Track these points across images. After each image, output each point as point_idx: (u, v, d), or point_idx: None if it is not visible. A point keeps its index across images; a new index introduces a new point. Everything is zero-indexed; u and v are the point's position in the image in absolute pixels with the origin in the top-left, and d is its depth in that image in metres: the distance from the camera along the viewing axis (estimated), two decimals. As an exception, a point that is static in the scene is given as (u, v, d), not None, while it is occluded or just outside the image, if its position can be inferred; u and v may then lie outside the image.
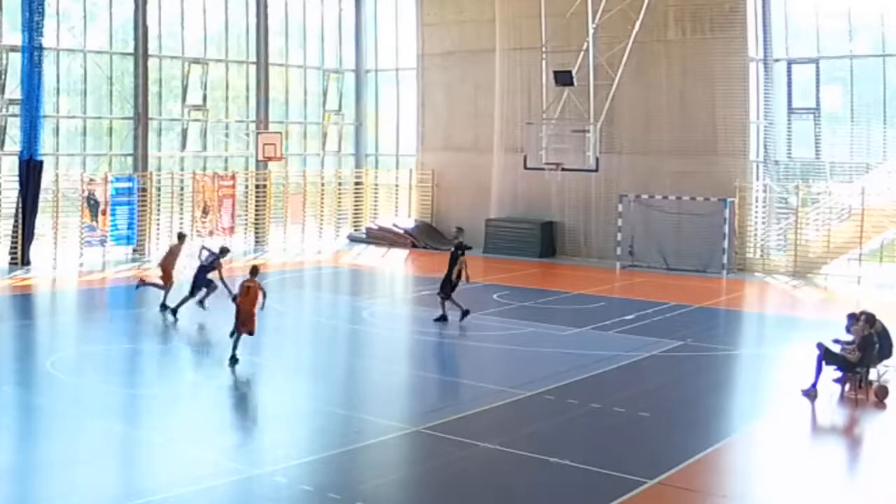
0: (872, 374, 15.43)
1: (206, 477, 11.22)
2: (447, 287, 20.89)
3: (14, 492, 10.82)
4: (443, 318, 20.75)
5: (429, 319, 21.23)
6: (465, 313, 20.67)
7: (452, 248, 21.40)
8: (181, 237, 22.75)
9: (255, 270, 17.30)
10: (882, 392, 15.19)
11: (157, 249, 30.58)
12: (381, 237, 35.69)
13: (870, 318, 15.41)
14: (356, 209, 37.42)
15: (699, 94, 30.26)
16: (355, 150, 38.71)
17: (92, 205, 29.03)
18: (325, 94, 37.35)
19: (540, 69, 30.11)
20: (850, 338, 15.66)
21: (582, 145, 28.56)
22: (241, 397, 15.19)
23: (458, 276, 20.93)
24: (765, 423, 14.37)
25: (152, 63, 31.29)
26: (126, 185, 30.05)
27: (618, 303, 24.25)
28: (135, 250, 30.28)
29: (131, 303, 23.10)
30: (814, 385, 15.12)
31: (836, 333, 16.16)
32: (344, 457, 12.28)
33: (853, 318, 15.62)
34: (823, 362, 15.19)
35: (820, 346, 15.33)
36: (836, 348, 15.59)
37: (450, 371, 16.99)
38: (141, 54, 30.66)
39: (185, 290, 20.64)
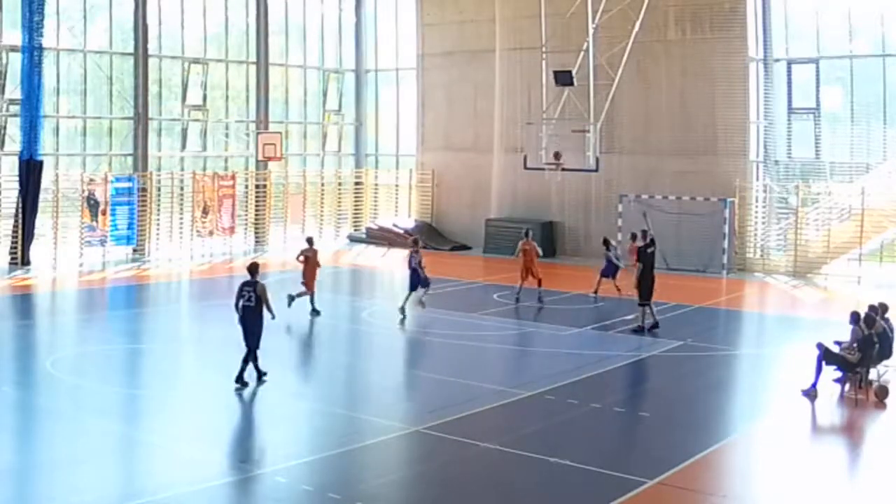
0: (872, 374, 15.42)
1: (206, 477, 11.23)
2: (644, 294, 20.03)
3: (14, 492, 10.83)
4: (655, 326, 19.95)
5: (428, 319, 21.24)
6: (640, 329, 19.90)
7: (635, 257, 20.54)
8: None
9: (527, 232, 24.34)
10: (882, 392, 15.18)
11: (157, 249, 30.66)
12: (381, 237, 35.69)
13: (868, 320, 15.39)
14: (356, 209, 37.42)
15: (699, 94, 30.26)
16: (355, 150, 38.71)
17: (92, 205, 29.03)
18: (325, 94, 37.35)
19: (540, 69, 30.08)
20: (849, 338, 15.63)
21: (582, 145, 28.54)
22: (241, 397, 15.18)
23: (639, 281, 20.04)
24: (765, 423, 14.37)
25: (152, 63, 31.29)
26: (126, 185, 30.05)
27: (618, 303, 24.22)
28: (135, 250, 30.28)
29: (131, 303, 23.10)
30: (814, 385, 15.11)
31: (835, 333, 16.15)
32: (344, 457, 12.28)
33: (856, 316, 15.59)
34: (823, 362, 15.19)
35: (820, 346, 15.32)
36: (837, 349, 15.57)
37: (450, 371, 16.98)
38: (141, 54, 30.67)
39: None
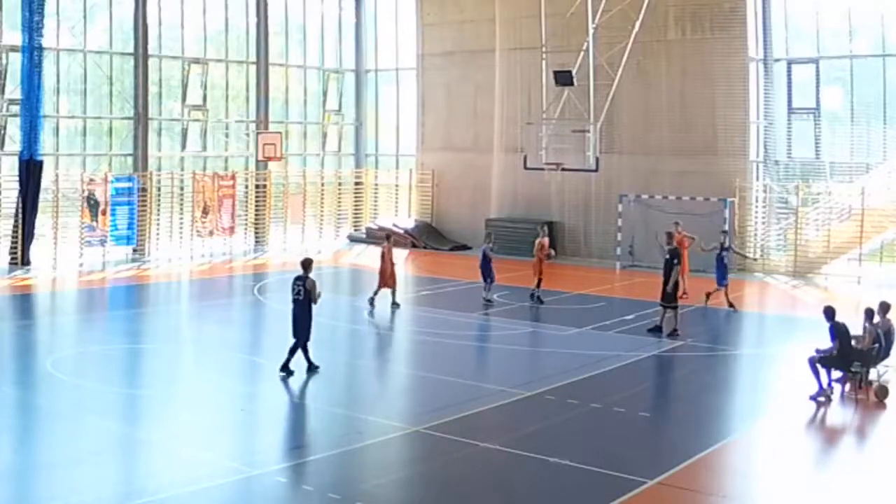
0: (872, 374, 15.42)
1: (206, 477, 11.22)
2: (668, 297, 19.70)
3: (14, 492, 10.82)
4: (657, 329, 19.67)
5: (429, 319, 21.21)
6: (669, 330, 19.52)
7: (667, 257, 20.00)
8: None
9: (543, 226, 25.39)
10: (882, 392, 15.18)
11: (157, 249, 30.66)
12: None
13: (868, 313, 15.40)
14: (356, 209, 37.42)
15: (699, 94, 30.26)
16: (355, 150, 38.72)
17: (92, 205, 29.03)
18: (325, 94, 37.36)
19: (540, 69, 30.10)
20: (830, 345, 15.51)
21: (582, 145, 28.55)
22: (241, 397, 15.18)
23: (676, 286, 19.82)
24: (765, 423, 14.37)
25: (152, 63, 31.29)
26: (126, 185, 30.05)
27: (618, 303, 24.24)
28: (135, 250, 30.28)
29: (131, 303, 23.09)
30: (820, 388, 15.06)
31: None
32: (344, 457, 12.28)
33: (870, 313, 15.52)
34: (818, 365, 15.12)
35: (811, 360, 15.23)
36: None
37: (450, 371, 16.97)
38: (141, 54, 30.67)
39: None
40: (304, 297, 15.72)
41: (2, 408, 14.02)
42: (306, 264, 15.95)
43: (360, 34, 38.28)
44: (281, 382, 15.75)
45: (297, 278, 15.91)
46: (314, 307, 15.85)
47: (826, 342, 15.42)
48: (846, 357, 15.14)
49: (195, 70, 32.61)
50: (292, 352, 15.76)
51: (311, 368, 15.89)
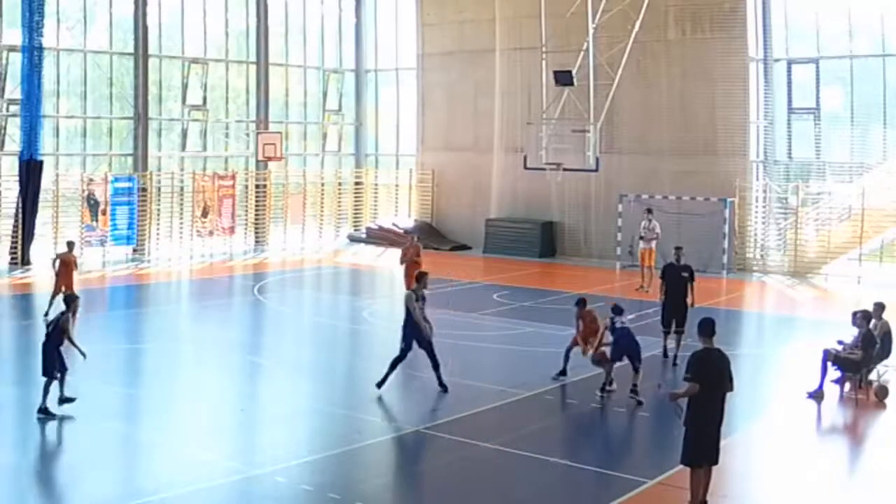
0: (872, 375, 15.41)
1: (206, 477, 11.23)
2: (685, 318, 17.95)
3: (14, 492, 10.82)
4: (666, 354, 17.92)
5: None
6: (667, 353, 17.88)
7: (680, 271, 18.42)
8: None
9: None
10: (882, 392, 15.18)
11: (157, 249, 30.65)
12: (380, 237, 35.68)
13: (867, 315, 15.36)
14: (356, 209, 37.42)
15: (699, 94, 30.25)
16: (355, 150, 38.71)
17: (92, 205, 29.03)
18: (325, 94, 37.34)
19: (540, 69, 30.08)
20: (853, 337, 15.54)
21: (582, 145, 28.53)
22: (241, 397, 15.17)
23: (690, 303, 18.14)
24: (765, 423, 14.37)
25: (152, 63, 31.28)
26: (126, 185, 30.06)
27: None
28: (135, 250, 30.28)
29: (131, 303, 23.09)
30: (820, 387, 15.07)
31: (835, 333, 16.13)
32: (344, 457, 12.28)
33: (866, 315, 15.50)
34: (829, 363, 15.13)
35: (825, 352, 15.25)
36: (839, 346, 15.51)
37: (450, 371, 16.95)
38: (141, 54, 30.67)
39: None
40: (53, 332, 13.67)
41: (2, 408, 14.02)
42: (68, 300, 14.31)
43: (360, 34, 38.28)
44: (281, 382, 15.76)
45: (60, 313, 14.04)
46: (67, 345, 13.76)
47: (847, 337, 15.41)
48: (866, 364, 15.10)
49: (195, 70, 32.60)
50: (45, 391, 13.44)
51: (64, 401, 13.46)
